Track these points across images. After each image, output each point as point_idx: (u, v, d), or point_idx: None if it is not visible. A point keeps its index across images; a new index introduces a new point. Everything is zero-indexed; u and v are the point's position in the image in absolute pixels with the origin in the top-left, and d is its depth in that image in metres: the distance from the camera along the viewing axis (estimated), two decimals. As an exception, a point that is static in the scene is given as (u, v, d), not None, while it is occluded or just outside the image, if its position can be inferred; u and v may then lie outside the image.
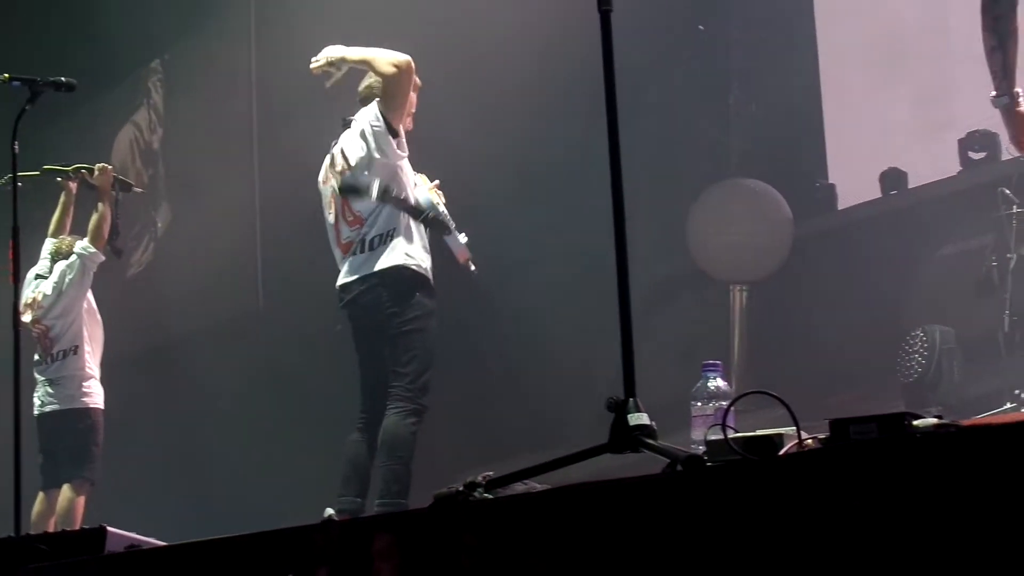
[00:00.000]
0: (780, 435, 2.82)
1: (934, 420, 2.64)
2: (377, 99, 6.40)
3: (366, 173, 6.29)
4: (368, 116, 6.38)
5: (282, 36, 10.95)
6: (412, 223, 6.29)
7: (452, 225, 6.42)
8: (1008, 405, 7.29)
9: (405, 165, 6.41)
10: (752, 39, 10.56)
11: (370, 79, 6.54)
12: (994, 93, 4.16)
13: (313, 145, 7.11)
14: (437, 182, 6.63)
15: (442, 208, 6.45)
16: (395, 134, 6.27)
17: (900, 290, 9.12)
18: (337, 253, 6.47)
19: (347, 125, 6.53)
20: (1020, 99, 4.12)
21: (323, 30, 9.68)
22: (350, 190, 6.27)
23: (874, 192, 10.03)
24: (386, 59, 6.33)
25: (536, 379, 9.80)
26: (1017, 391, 7.23)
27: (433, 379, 6.45)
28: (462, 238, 6.44)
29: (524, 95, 9.58)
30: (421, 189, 6.47)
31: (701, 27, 10.73)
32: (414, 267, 6.28)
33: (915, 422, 2.62)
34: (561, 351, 9.67)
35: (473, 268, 6.47)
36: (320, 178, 6.61)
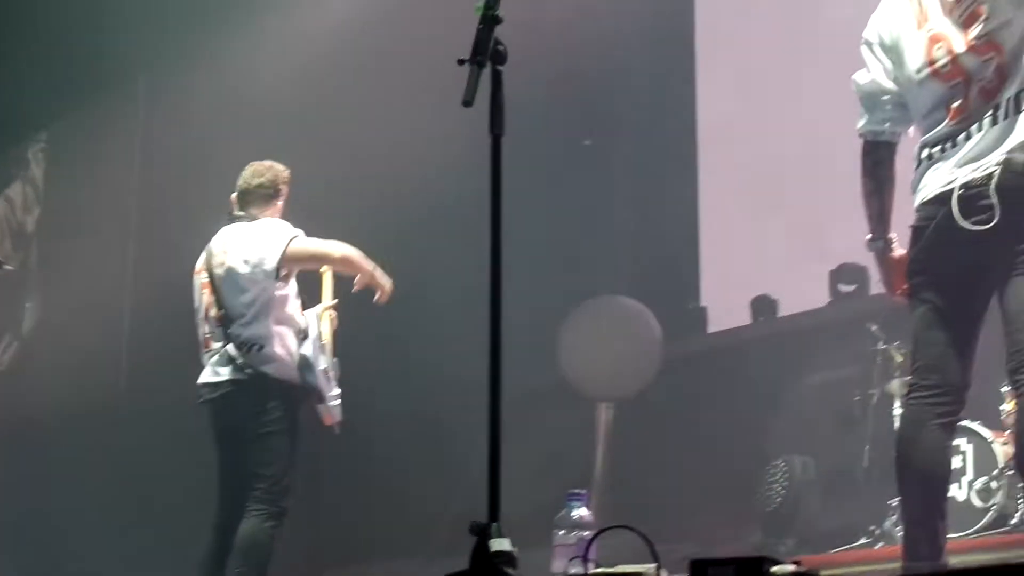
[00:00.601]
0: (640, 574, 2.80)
1: (791, 568, 2.63)
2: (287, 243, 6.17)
3: (242, 285, 6.16)
4: (263, 245, 6.17)
5: (171, 117, 10.82)
6: (280, 329, 6.19)
7: (326, 388, 6.29)
8: (863, 540, 7.35)
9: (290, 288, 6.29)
10: (636, 157, 10.68)
11: (267, 175, 6.39)
12: (869, 236, 4.23)
13: (192, 233, 6.97)
14: (334, 302, 6.46)
15: (327, 345, 6.29)
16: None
17: (765, 417, 9.19)
18: (201, 348, 6.35)
19: (233, 219, 6.41)
20: (894, 244, 4.20)
21: (215, 115, 9.63)
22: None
23: (745, 318, 10.14)
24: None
25: (399, 484, 9.70)
26: (872, 527, 7.29)
27: (294, 481, 6.33)
28: (334, 402, 6.32)
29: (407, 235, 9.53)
30: (311, 316, 6.33)
31: (587, 142, 10.83)
32: (277, 375, 6.16)
33: (773, 568, 2.61)
34: (425, 459, 9.59)
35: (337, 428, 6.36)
36: (196, 267, 6.48)
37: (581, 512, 3.72)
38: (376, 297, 6.28)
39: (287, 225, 6.34)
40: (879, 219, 4.20)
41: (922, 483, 3.94)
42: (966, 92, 3.92)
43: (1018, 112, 3.84)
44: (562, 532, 3.68)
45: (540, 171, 10.05)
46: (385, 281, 6.25)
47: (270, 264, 6.16)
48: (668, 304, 10.28)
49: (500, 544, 3.10)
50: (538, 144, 9.89)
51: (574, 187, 10.59)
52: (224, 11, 9.83)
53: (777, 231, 10.06)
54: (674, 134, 10.92)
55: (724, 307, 10.43)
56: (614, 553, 3.67)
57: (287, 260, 6.18)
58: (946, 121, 3.96)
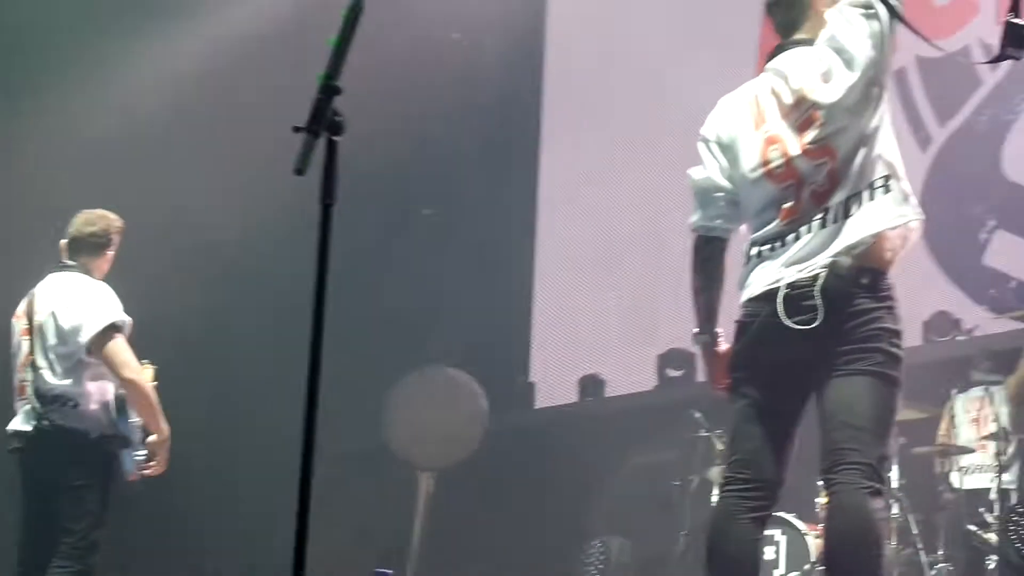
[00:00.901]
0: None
1: None
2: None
3: (61, 339, 5.99)
4: (84, 315, 6.00)
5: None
6: (97, 385, 6.04)
7: (134, 438, 6.14)
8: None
9: None
10: (475, 228, 10.71)
11: (99, 224, 6.22)
12: (696, 330, 4.27)
13: (13, 275, 6.77)
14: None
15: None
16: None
17: (586, 496, 9.23)
18: (16, 395, 6.16)
19: (61, 267, 6.24)
20: (720, 340, 4.24)
21: (44, 157, 9.39)
22: None
23: (572, 395, 10.19)
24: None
25: (195, 546, 9.47)
26: (684, 613, 7.35)
27: (102, 538, 6.15)
28: (138, 455, 6.17)
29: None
30: None
31: (426, 211, 10.84)
32: (89, 430, 6.00)
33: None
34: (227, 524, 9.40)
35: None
36: (17, 311, 6.28)
37: (387, 590, 3.68)
38: (150, 438, 6.14)
39: (116, 305, 6.17)
40: (706, 314, 4.23)
41: (730, 575, 3.96)
42: (798, 194, 3.97)
43: (846, 217, 3.90)
44: (368, 608, 3.63)
45: (376, 239, 10.04)
46: (164, 428, 6.11)
47: (83, 338, 6.04)
48: (497, 377, 10.30)
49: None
50: (376, 212, 9.88)
51: (410, 256, 10.57)
52: (62, 51, 9.63)
53: (610, 310, 10.17)
54: (514, 207, 10.99)
55: (553, 383, 10.48)
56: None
57: (95, 346, 6.05)
58: (777, 221, 4.00)
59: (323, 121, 3.36)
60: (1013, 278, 8.68)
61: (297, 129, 3.32)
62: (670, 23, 10.31)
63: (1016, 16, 3.78)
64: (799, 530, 7.11)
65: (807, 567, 6.95)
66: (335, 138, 3.39)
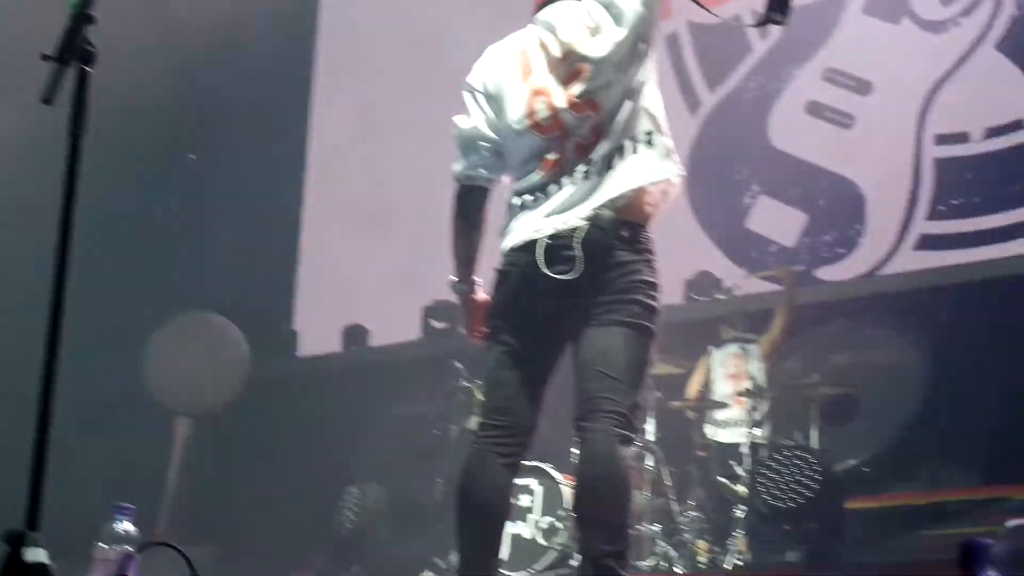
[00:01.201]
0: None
1: None
2: None
3: None
4: None
5: None
6: None
7: None
8: (427, 573, 7.42)
9: None
10: (242, 174, 10.53)
11: None
12: (455, 278, 4.25)
13: None
14: None
15: None
16: None
17: (347, 445, 9.19)
18: None
19: None
20: (478, 289, 4.23)
21: None
22: None
23: (336, 345, 10.13)
24: None
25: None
26: (438, 560, 7.37)
27: None
28: None
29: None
30: None
31: (191, 156, 10.61)
32: None
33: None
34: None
35: None
36: None
37: (126, 526, 3.58)
38: None
39: None
40: (465, 262, 4.22)
41: (479, 520, 3.97)
42: (562, 146, 3.98)
43: (608, 169, 3.93)
44: (104, 546, 3.53)
45: (139, 182, 9.81)
46: None
47: None
48: (260, 324, 10.18)
49: (35, 555, 2.93)
50: (140, 155, 9.64)
51: (174, 201, 10.35)
52: None
53: (376, 260, 10.12)
54: (284, 156, 10.84)
55: (316, 332, 10.41)
56: (160, 572, 3.57)
57: None
58: (540, 172, 4.01)
59: (74, 50, 3.26)
60: (774, 242, 8.91)
61: (45, 57, 3.22)
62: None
63: None
64: (555, 479, 7.20)
65: (561, 513, 7.05)
66: (86, 68, 3.29)
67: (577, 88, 4.01)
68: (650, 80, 4.08)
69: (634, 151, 3.96)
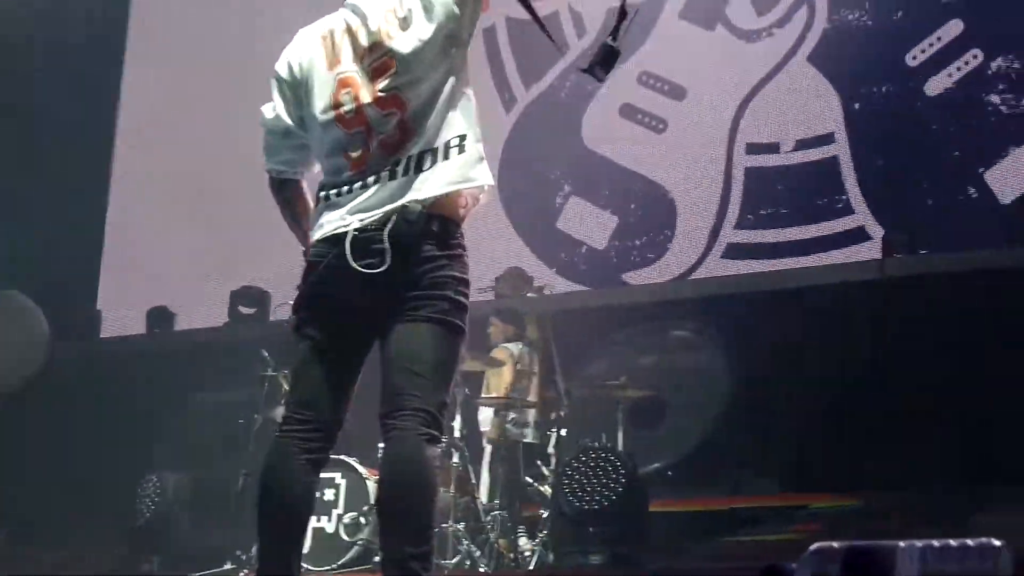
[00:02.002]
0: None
1: None
2: None
3: None
4: None
5: None
6: None
7: None
8: (228, 565, 7.31)
9: None
10: (49, 153, 10.24)
11: None
12: (304, 250, 4.15)
13: None
14: None
15: None
16: None
17: (149, 429, 9.02)
18: None
19: None
20: None
21: None
22: None
23: (140, 327, 9.93)
24: None
25: None
26: (239, 552, 7.27)
27: None
28: None
29: None
30: None
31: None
32: None
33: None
34: None
35: None
36: None
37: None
38: None
39: None
40: (307, 241, 4.15)
41: (279, 515, 3.88)
42: (367, 142, 3.90)
43: (418, 172, 3.86)
44: None
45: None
46: None
47: None
48: (62, 304, 9.92)
49: None
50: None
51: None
52: None
53: (185, 245, 9.94)
54: (91, 133, 10.58)
55: (120, 313, 10.18)
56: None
57: None
58: (346, 169, 3.94)
59: None
60: (583, 243, 8.96)
61: None
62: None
63: (613, 40, 3.86)
64: (360, 474, 7.16)
65: (365, 508, 7.00)
66: None
67: (383, 83, 3.90)
68: (464, 81, 3.99)
69: (445, 156, 3.89)
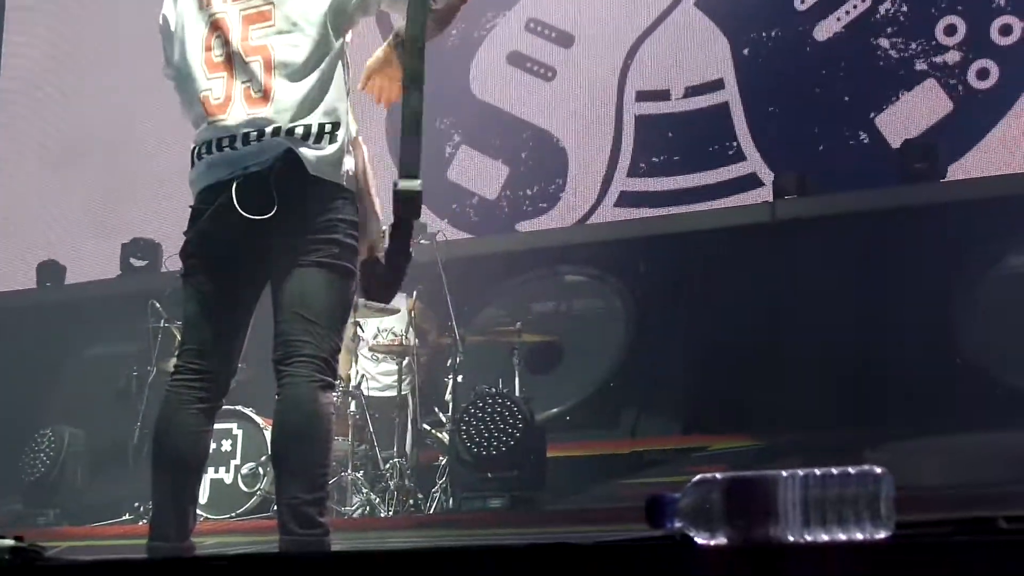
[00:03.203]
0: None
1: (9, 542, 2.43)
2: None
3: None
4: None
5: None
6: None
7: None
8: (127, 516, 7.29)
9: None
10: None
11: None
12: None
13: None
14: None
15: None
16: None
17: (42, 384, 8.92)
18: None
19: None
20: None
21: None
22: None
23: (30, 282, 9.80)
24: None
25: None
26: (137, 504, 7.23)
27: None
28: None
29: None
30: None
31: None
32: None
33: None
34: None
35: None
36: None
37: None
38: None
39: None
40: None
41: (174, 465, 3.85)
42: (229, 92, 3.76)
43: (290, 136, 3.75)
44: None
45: None
46: None
47: None
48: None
49: None
50: None
51: None
52: None
53: (73, 198, 9.81)
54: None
55: (10, 268, 10.03)
56: None
57: None
58: (205, 116, 3.81)
59: None
60: (475, 194, 8.96)
61: None
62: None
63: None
64: (257, 424, 7.16)
65: (263, 458, 7.00)
66: None
67: (256, 32, 3.80)
68: (346, 46, 3.92)
69: (317, 140, 3.72)
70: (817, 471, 1.97)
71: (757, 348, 7.66)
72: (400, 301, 7.70)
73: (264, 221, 3.70)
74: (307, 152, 3.75)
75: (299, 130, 3.76)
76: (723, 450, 7.47)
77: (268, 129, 3.75)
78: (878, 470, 1.83)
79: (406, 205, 3.71)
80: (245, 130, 3.77)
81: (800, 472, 2.07)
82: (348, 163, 3.86)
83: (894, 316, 7.43)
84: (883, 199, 7.74)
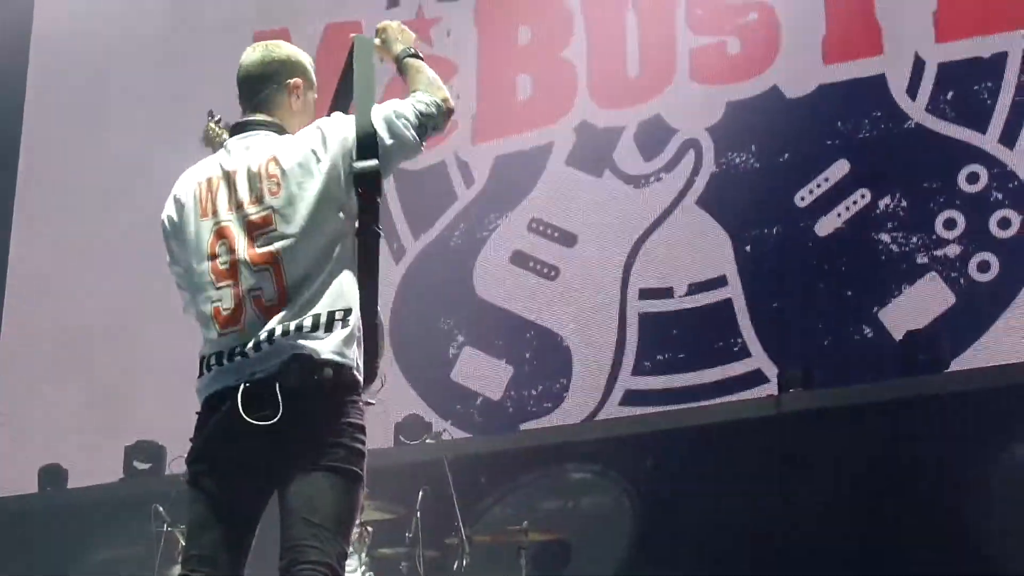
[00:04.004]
0: None
1: None
2: None
3: None
4: None
5: None
6: None
7: None
8: None
9: None
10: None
11: None
12: None
13: None
14: None
15: None
16: None
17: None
18: None
19: None
20: None
21: None
22: None
23: (32, 486, 9.73)
24: None
25: None
26: None
27: None
28: None
29: None
30: None
31: None
32: None
33: None
34: None
35: None
36: None
37: None
38: None
39: None
40: None
41: None
42: (239, 300, 3.74)
43: (299, 335, 3.73)
44: None
45: None
46: None
47: None
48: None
49: None
50: None
51: None
52: None
53: (76, 398, 9.80)
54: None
55: (12, 472, 9.97)
56: None
57: None
58: (216, 324, 3.80)
59: None
60: (479, 394, 8.93)
61: None
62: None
63: None
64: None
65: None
66: None
67: (261, 240, 3.81)
68: (350, 248, 3.89)
69: (328, 328, 3.74)
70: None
71: (766, 543, 7.56)
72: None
73: (271, 427, 3.68)
74: (315, 344, 3.74)
75: (307, 322, 3.76)
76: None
77: (278, 330, 3.75)
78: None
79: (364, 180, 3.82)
80: (255, 339, 3.77)
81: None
82: (353, 352, 3.84)
83: (900, 504, 7.35)
84: (887, 391, 7.72)
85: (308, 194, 3.82)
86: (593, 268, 8.92)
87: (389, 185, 9.09)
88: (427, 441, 7.70)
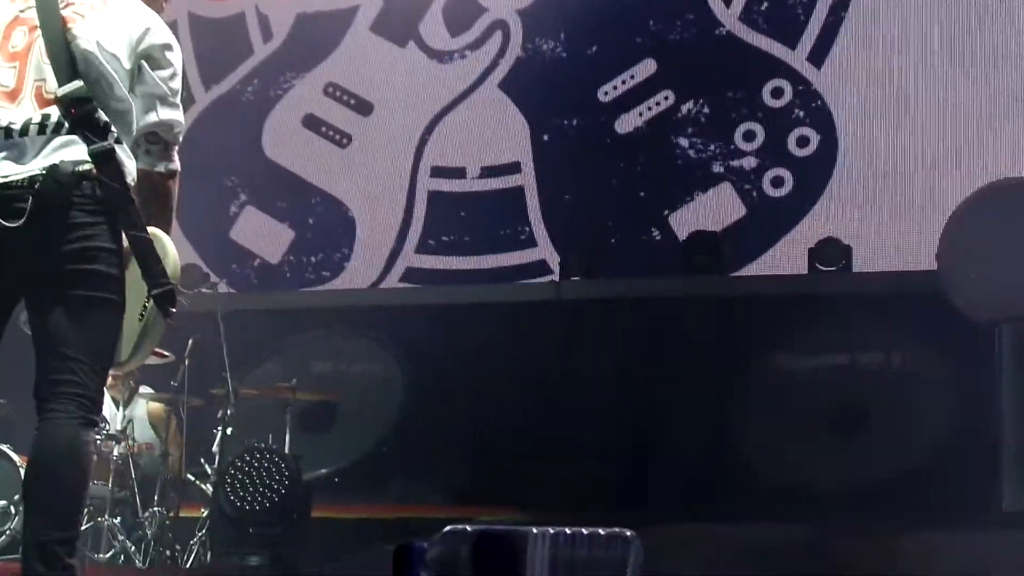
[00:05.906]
0: None
1: None
2: None
3: None
4: None
5: None
6: None
7: None
8: None
9: None
10: None
11: None
12: None
13: None
14: None
15: None
16: None
17: None
18: None
19: None
20: None
21: None
22: None
23: None
24: None
25: None
26: None
27: None
28: None
29: None
30: None
31: None
32: None
33: None
34: None
35: None
36: None
37: None
38: None
39: None
40: None
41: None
42: (21, 81, 3.60)
43: (72, 133, 3.65)
44: None
45: None
46: None
47: None
48: None
49: None
50: None
51: None
52: None
53: None
54: None
55: None
56: None
57: None
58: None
59: None
60: (257, 256, 8.83)
61: None
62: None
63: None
64: (13, 461, 6.91)
65: (16, 497, 6.76)
66: None
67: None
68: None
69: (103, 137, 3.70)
70: (567, 530, 1.99)
71: (530, 424, 7.70)
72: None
73: (16, 238, 3.52)
74: (72, 163, 3.62)
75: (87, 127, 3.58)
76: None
77: (47, 126, 3.63)
78: (628, 533, 1.86)
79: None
80: (21, 124, 3.63)
81: (550, 530, 2.09)
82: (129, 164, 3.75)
83: (670, 402, 7.53)
84: (665, 287, 7.88)
85: (119, 50, 3.71)
86: (387, 140, 8.81)
87: (183, 30, 8.92)
88: (203, 290, 7.57)
